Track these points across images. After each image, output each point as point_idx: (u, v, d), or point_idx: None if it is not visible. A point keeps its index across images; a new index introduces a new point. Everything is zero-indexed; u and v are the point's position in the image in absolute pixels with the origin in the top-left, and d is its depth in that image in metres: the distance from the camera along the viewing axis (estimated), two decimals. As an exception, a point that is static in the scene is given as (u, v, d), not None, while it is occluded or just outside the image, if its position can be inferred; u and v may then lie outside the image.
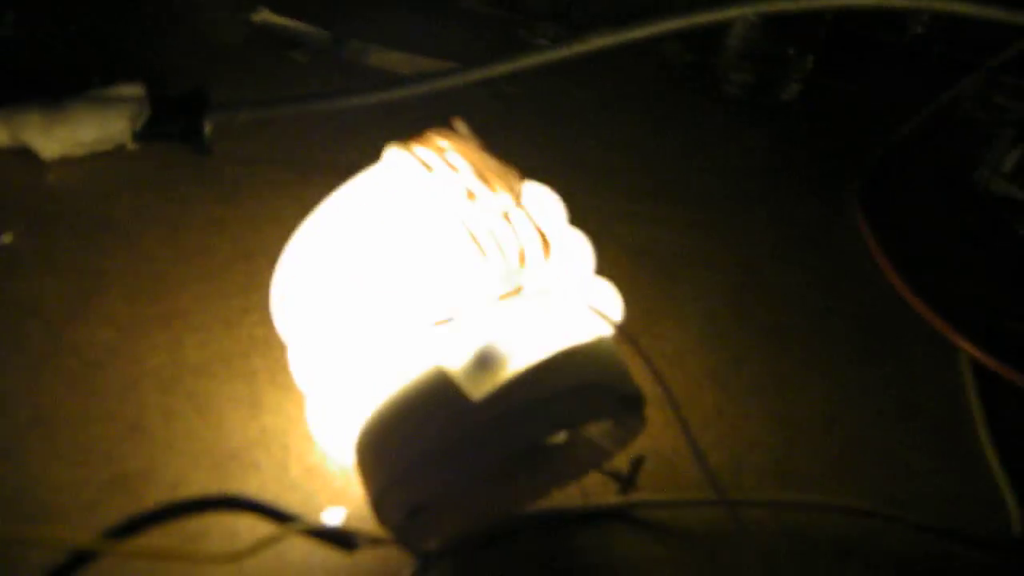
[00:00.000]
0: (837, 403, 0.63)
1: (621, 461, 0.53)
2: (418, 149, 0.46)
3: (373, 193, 0.46)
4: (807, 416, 0.62)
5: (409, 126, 0.61)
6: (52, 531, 0.48)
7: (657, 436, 0.53)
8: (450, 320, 0.44)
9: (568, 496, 0.53)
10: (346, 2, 1.01)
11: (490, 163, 0.45)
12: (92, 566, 0.46)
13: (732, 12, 0.57)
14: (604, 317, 0.47)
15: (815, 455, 0.60)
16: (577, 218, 0.49)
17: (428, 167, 0.45)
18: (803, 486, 0.57)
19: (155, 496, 0.51)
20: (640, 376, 0.47)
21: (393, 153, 0.47)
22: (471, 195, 0.43)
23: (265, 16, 0.93)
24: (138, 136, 0.72)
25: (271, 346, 0.59)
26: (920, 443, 0.62)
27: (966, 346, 0.68)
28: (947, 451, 0.62)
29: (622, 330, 0.46)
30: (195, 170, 0.73)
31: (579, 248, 0.48)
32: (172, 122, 0.72)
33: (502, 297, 0.44)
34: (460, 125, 0.47)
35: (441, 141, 0.46)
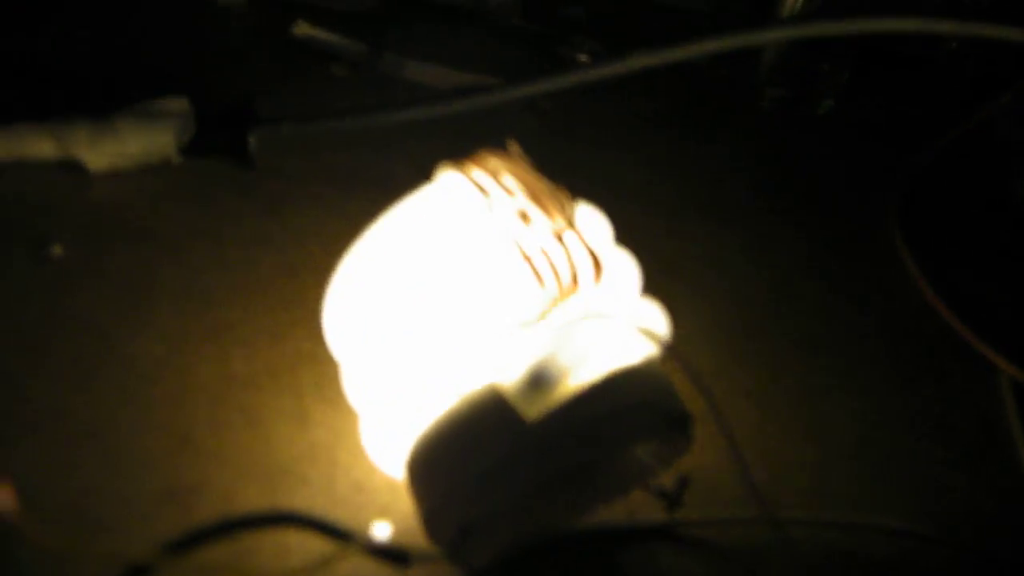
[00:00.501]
0: (873, 421, 0.64)
1: (666, 479, 0.53)
2: (472, 171, 0.46)
3: (428, 214, 0.47)
4: (843, 434, 0.62)
5: (449, 141, 0.62)
6: (107, 544, 0.49)
7: (699, 453, 0.54)
8: (504, 341, 0.44)
9: (614, 513, 0.54)
10: (383, 16, 1.02)
11: (543, 185, 0.46)
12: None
13: (774, 34, 0.58)
14: (653, 337, 0.47)
15: (853, 474, 0.60)
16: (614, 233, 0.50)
17: (482, 189, 0.45)
18: (841, 505, 0.57)
19: (207, 509, 0.52)
20: (685, 393, 0.48)
21: (447, 174, 0.47)
22: (525, 218, 0.44)
23: (305, 29, 0.94)
24: (183, 150, 0.73)
25: (318, 360, 0.60)
26: (958, 463, 0.62)
27: (1005, 365, 0.68)
28: (985, 472, 0.62)
29: (671, 350, 0.47)
30: (239, 184, 0.74)
31: (626, 269, 0.49)
32: (217, 137, 0.74)
33: (555, 319, 0.45)
34: (513, 147, 0.48)
35: (495, 163, 0.47)
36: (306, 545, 0.50)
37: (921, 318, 0.73)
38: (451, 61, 0.96)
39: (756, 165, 0.89)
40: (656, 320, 0.49)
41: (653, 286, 0.51)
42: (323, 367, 0.59)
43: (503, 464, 0.42)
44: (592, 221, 0.48)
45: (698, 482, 0.55)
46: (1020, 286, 0.74)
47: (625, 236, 0.50)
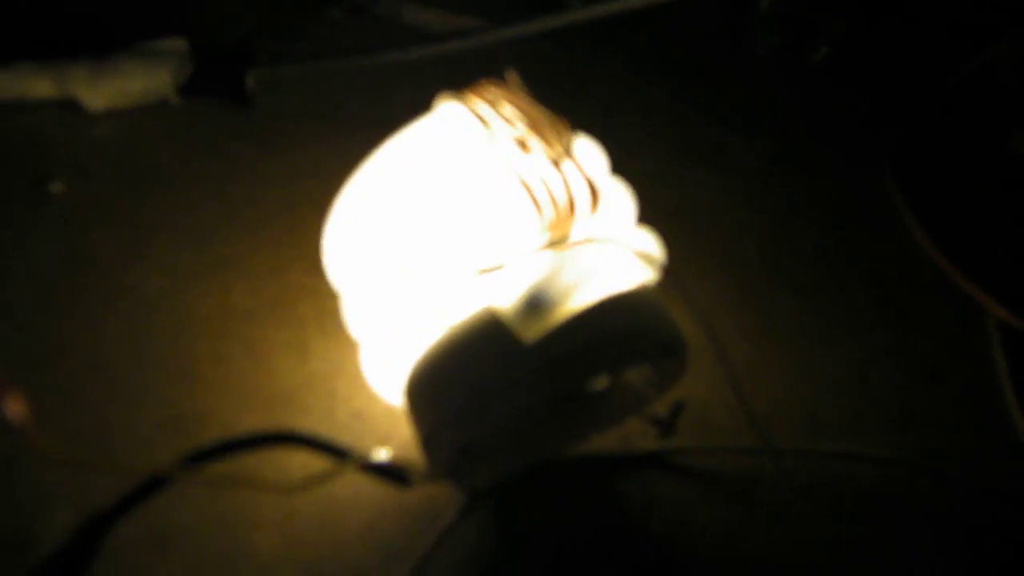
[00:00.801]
0: (866, 362, 0.64)
1: (660, 406, 0.54)
2: (471, 100, 0.47)
3: (426, 144, 0.47)
4: (835, 371, 0.63)
5: (446, 82, 0.62)
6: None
7: (692, 384, 0.54)
8: (502, 266, 0.45)
9: (608, 440, 0.55)
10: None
11: (541, 114, 0.46)
12: (155, 495, 0.49)
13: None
14: (651, 261, 0.48)
15: (843, 410, 0.61)
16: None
17: (481, 119, 0.46)
18: (832, 437, 0.59)
19: (208, 436, 0.53)
20: (680, 321, 0.48)
21: (446, 104, 0.48)
22: (524, 146, 0.45)
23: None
24: (182, 90, 0.73)
25: (318, 293, 0.60)
26: (947, 400, 0.63)
27: (993, 307, 0.68)
28: (971, 407, 0.63)
29: (669, 273, 0.47)
30: (237, 124, 0.74)
31: (622, 198, 0.49)
32: (215, 76, 0.74)
33: (552, 245, 0.45)
34: (511, 77, 0.48)
35: (493, 93, 0.47)
36: (307, 467, 0.52)
37: (916, 264, 0.74)
38: (449, 4, 0.95)
39: (752, 113, 0.90)
40: (652, 247, 0.49)
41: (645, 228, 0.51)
42: (323, 300, 0.60)
43: (500, 385, 0.43)
44: (589, 152, 0.48)
45: (692, 412, 0.56)
46: (1012, 232, 0.74)
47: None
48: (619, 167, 0.50)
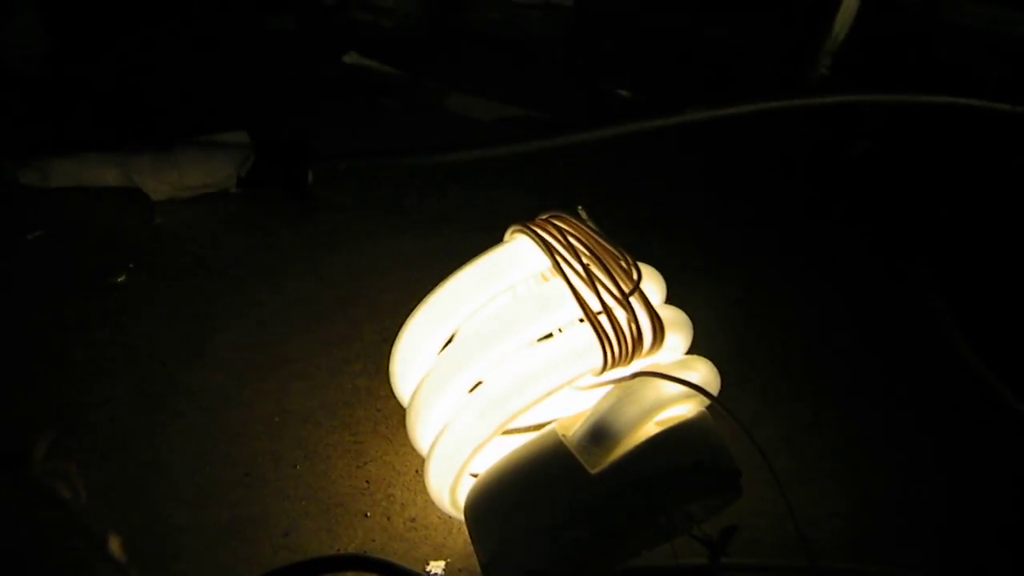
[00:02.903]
0: (908, 473, 0.65)
1: (711, 525, 0.55)
2: (540, 232, 0.48)
3: (497, 274, 0.49)
4: (879, 485, 0.64)
5: (500, 180, 0.64)
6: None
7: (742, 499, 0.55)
8: (568, 396, 0.46)
9: (657, 555, 0.55)
10: (430, 44, 1.04)
11: (609, 248, 0.48)
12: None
13: (835, 99, 0.59)
14: (706, 394, 0.49)
15: (887, 525, 0.62)
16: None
17: (550, 252, 0.47)
18: (876, 553, 0.59)
19: (268, 542, 0.54)
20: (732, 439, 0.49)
21: (516, 237, 0.49)
22: (592, 281, 0.46)
23: (355, 59, 0.96)
24: (242, 181, 0.76)
25: (374, 396, 0.62)
26: (995, 518, 0.63)
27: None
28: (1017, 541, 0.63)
29: (723, 406, 0.49)
30: (294, 216, 0.76)
31: (680, 326, 0.50)
32: (275, 169, 0.76)
33: (617, 378, 0.47)
34: (582, 212, 0.50)
35: (562, 225, 0.49)
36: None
37: (953, 369, 0.75)
38: (495, 92, 0.98)
39: (790, 208, 0.91)
40: (708, 376, 0.50)
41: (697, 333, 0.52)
42: (379, 403, 0.61)
43: (567, 514, 0.44)
44: (651, 281, 0.50)
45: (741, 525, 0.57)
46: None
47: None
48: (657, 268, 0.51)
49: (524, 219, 0.51)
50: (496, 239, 0.52)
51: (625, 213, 0.79)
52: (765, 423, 0.67)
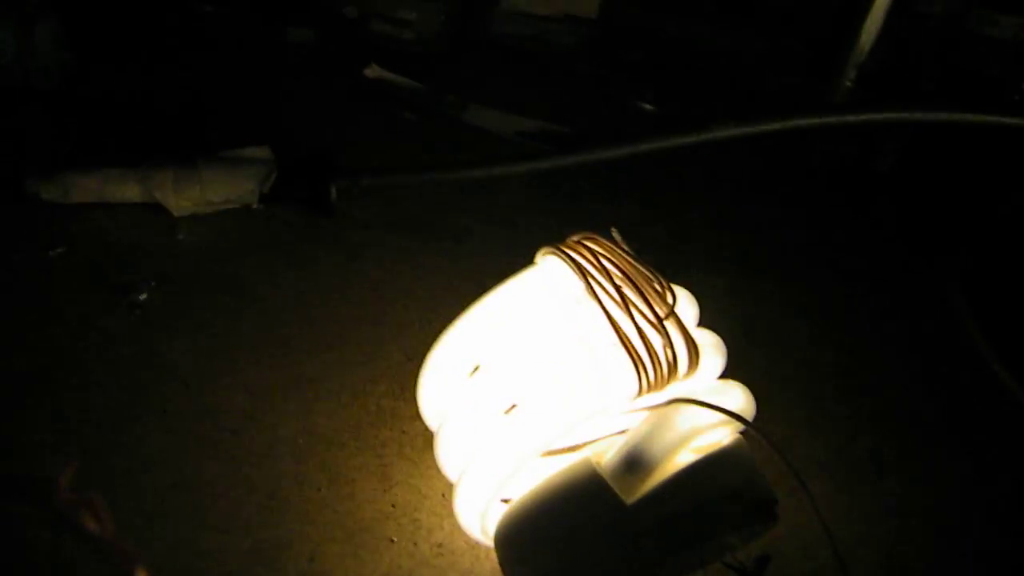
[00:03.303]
0: (944, 495, 0.64)
1: (745, 553, 0.54)
2: (572, 254, 0.48)
3: (528, 298, 0.48)
4: (914, 507, 0.63)
5: (521, 195, 0.62)
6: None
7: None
8: (601, 422, 0.45)
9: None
10: (450, 57, 1.03)
11: (643, 271, 0.47)
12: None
13: (869, 116, 0.58)
14: (742, 421, 0.48)
15: (923, 550, 0.61)
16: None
17: (582, 274, 0.46)
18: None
19: (293, 568, 0.53)
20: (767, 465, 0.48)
21: (548, 259, 0.48)
22: (626, 304, 0.45)
23: (376, 72, 0.96)
24: (264, 197, 0.75)
25: (399, 418, 0.61)
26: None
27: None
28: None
29: (761, 433, 0.47)
30: (316, 232, 0.75)
31: (714, 350, 0.49)
32: (298, 185, 0.75)
33: (652, 404, 0.46)
34: (615, 233, 0.49)
35: (594, 247, 0.48)
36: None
37: (989, 388, 0.73)
38: (517, 105, 0.97)
39: (819, 223, 0.90)
40: (742, 401, 0.49)
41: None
42: (404, 424, 0.61)
43: (601, 546, 0.43)
44: (684, 303, 0.49)
45: (768, 549, 0.56)
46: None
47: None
48: (686, 283, 0.50)
49: (554, 240, 0.50)
50: (521, 254, 0.51)
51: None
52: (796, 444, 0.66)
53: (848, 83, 1.06)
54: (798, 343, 0.74)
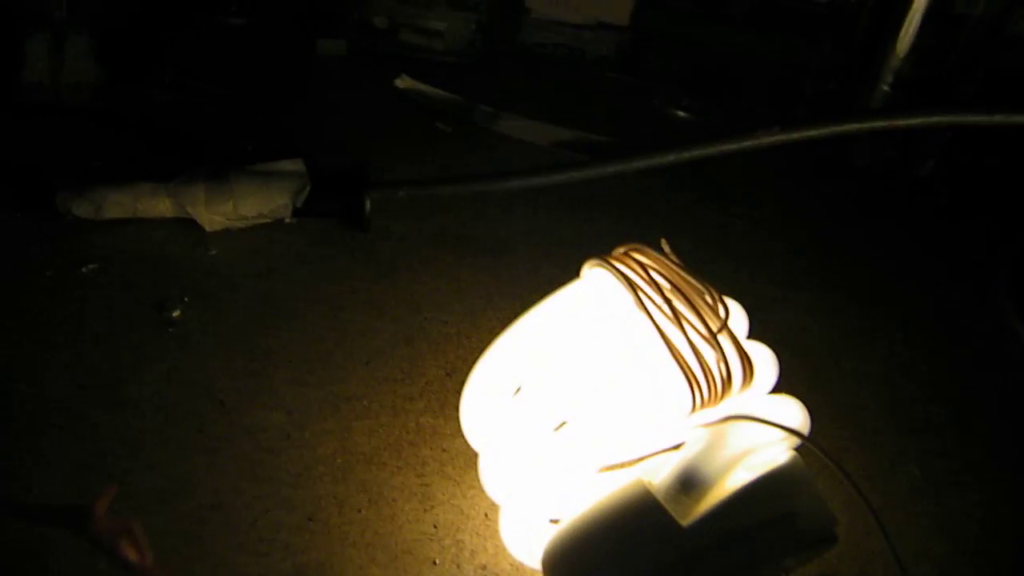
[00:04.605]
0: (998, 510, 0.62)
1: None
2: (620, 267, 0.46)
3: (575, 313, 0.46)
4: (968, 523, 0.61)
5: (559, 207, 0.61)
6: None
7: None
8: (653, 440, 0.44)
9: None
10: (482, 67, 1.02)
11: (694, 284, 0.45)
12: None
13: (916, 120, 0.57)
14: (799, 436, 0.46)
15: (980, 567, 0.59)
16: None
17: (631, 287, 0.45)
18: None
19: (334, 591, 0.52)
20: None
21: (595, 271, 0.47)
22: (678, 319, 0.43)
23: (407, 83, 0.95)
24: (298, 212, 0.74)
25: (439, 435, 0.60)
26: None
27: None
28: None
29: (822, 450, 0.46)
30: (351, 245, 0.74)
31: (766, 364, 0.48)
32: (332, 198, 0.74)
33: (706, 421, 0.44)
34: (664, 245, 0.47)
35: (643, 259, 0.46)
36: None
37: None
38: (550, 114, 0.96)
39: (861, 230, 0.88)
40: (797, 416, 0.48)
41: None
42: (444, 442, 0.59)
43: (656, 570, 0.41)
44: (735, 317, 0.47)
45: (821, 568, 0.54)
46: None
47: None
48: (733, 293, 0.49)
49: (599, 252, 0.48)
50: (561, 267, 0.50)
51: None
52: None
53: (886, 88, 1.04)
54: (844, 353, 0.72)
